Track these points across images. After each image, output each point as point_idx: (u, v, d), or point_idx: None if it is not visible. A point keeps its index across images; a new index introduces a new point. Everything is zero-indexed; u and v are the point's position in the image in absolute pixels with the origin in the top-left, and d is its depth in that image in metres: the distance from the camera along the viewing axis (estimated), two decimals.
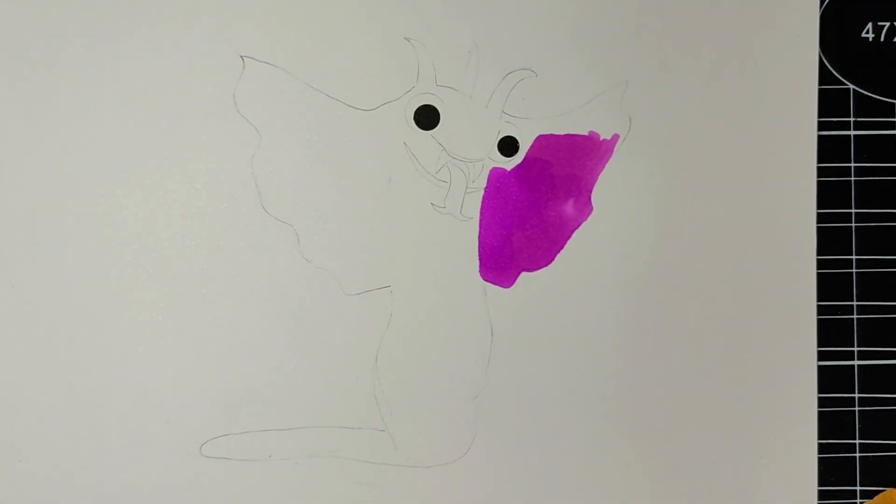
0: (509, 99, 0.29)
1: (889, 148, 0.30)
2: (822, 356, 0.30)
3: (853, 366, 0.30)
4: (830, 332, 0.30)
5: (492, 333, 0.29)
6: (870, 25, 0.30)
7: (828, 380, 0.30)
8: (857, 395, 0.30)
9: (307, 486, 0.29)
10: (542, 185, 0.29)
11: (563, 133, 0.29)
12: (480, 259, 0.29)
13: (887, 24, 0.30)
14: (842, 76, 0.29)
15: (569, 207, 0.29)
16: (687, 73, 0.29)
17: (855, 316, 0.30)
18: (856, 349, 0.30)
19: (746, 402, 0.29)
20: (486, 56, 0.29)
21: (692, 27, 0.29)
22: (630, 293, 0.29)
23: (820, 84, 0.29)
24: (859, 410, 0.30)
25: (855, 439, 0.30)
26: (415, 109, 0.29)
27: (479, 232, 0.29)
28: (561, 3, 0.29)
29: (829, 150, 0.29)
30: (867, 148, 0.30)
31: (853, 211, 0.30)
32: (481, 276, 0.29)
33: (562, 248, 0.29)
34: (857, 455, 0.30)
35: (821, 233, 0.29)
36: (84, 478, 0.28)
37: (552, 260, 0.29)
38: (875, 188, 0.30)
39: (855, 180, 0.30)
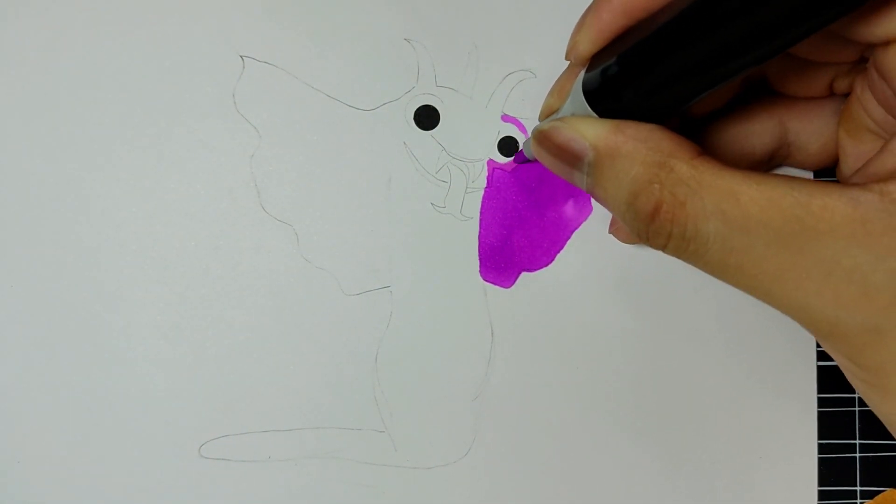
0: (509, 99, 0.29)
1: None
2: (821, 356, 0.30)
3: None
4: None
5: (492, 334, 0.29)
6: None
7: (828, 380, 0.29)
8: (857, 396, 0.30)
9: (306, 487, 0.29)
10: (542, 185, 0.29)
11: None
12: (480, 259, 0.29)
13: None
14: None
15: (569, 207, 0.29)
16: None
17: None
18: None
19: (746, 402, 0.29)
20: (486, 57, 0.29)
21: None
22: (630, 293, 0.29)
23: None
24: (859, 410, 0.30)
25: (855, 439, 0.30)
26: (415, 109, 0.29)
27: (479, 232, 0.29)
28: (561, 3, 0.29)
29: None
30: None
31: None
32: (481, 276, 0.29)
33: (562, 248, 0.29)
34: (857, 455, 0.30)
35: None
36: (83, 478, 0.28)
37: (552, 260, 0.29)
38: None
39: None
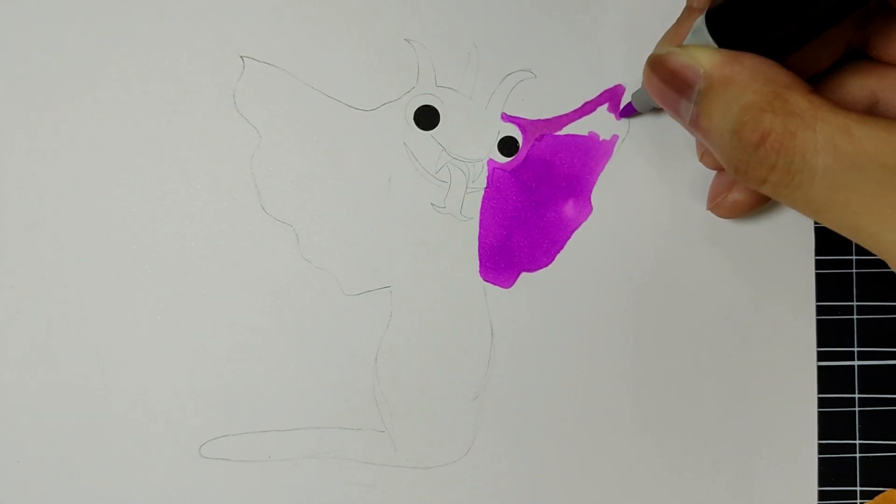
0: (509, 99, 0.29)
1: None
2: (822, 356, 0.30)
3: (853, 366, 0.30)
4: (830, 332, 0.30)
5: (492, 334, 0.29)
6: None
7: (828, 380, 0.30)
8: (857, 396, 0.30)
9: (306, 487, 0.29)
10: (542, 185, 0.29)
11: (563, 133, 0.29)
12: (480, 259, 0.29)
13: None
14: None
15: (569, 208, 0.29)
16: None
17: (855, 316, 0.30)
18: (856, 349, 0.30)
19: (746, 402, 0.29)
20: (486, 57, 0.29)
21: None
22: (630, 293, 0.29)
23: None
24: (859, 410, 0.30)
25: (855, 439, 0.30)
26: (415, 110, 0.29)
27: (479, 232, 0.29)
28: (560, 3, 0.29)
29: None
30: None
31: None
32: (481, 276, 0.29)
33: (562, 248, 0.29)
34: (857, 455, 0.30)
35: (819, 232, 0.29)
36: (83, 478, 0.28)
37: (552, 260, 0.29)
38: None
39: None
